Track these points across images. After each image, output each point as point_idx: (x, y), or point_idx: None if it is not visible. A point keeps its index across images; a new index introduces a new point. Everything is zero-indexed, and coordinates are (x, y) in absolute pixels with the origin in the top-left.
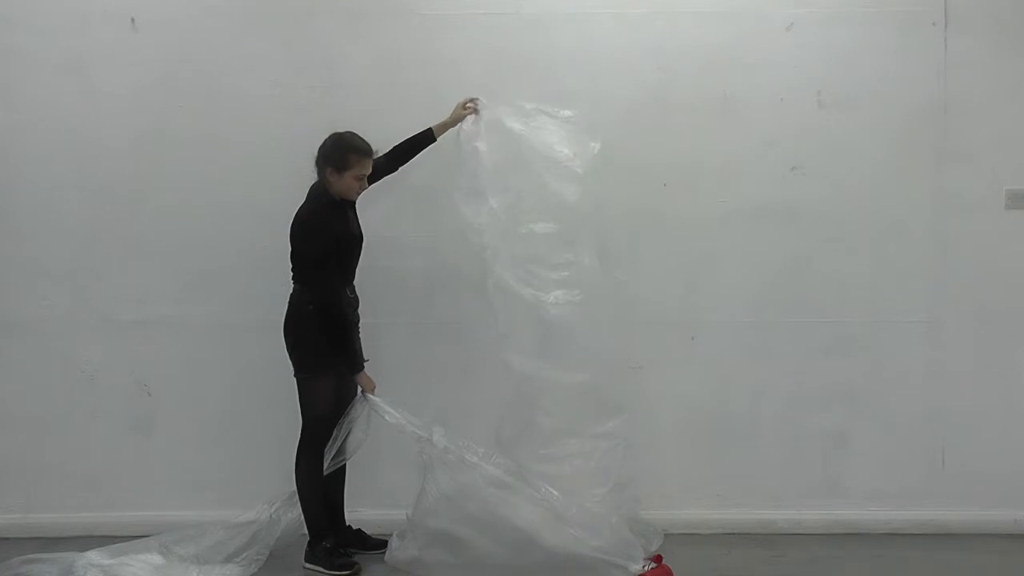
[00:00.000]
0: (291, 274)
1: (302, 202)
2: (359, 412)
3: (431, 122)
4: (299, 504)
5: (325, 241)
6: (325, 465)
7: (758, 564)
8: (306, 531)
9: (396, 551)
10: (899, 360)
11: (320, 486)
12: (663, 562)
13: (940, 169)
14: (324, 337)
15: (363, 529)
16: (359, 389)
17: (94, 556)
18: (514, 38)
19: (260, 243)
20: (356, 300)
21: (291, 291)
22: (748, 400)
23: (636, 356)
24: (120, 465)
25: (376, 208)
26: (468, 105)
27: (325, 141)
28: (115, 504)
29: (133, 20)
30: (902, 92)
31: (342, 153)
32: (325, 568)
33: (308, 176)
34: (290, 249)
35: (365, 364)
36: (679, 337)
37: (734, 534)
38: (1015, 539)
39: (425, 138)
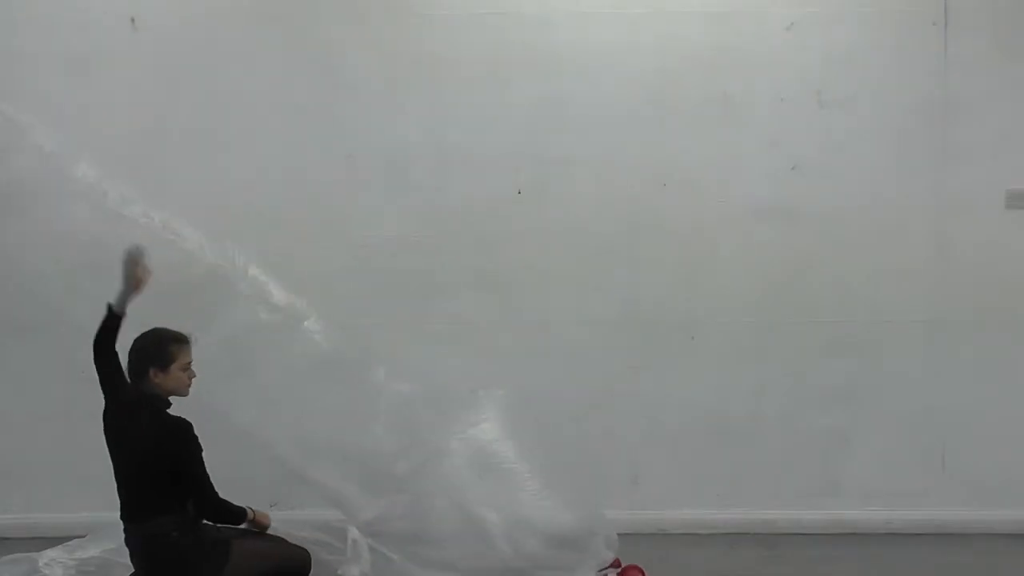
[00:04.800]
0: (138, 510)
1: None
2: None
3: (430, 122)
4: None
5: (196, 440)
6: None
7: (758, 564)
8: None
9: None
10: (899, 360)
11: None
12: (625, 564)
13: (940, 169)
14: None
15: None
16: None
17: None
18: (514, 38)
19: (260, 243)
20: None
21: (143, 537)
22: (748, 400)
23: (636, 356)
24: None
25: (377, 208)
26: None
27: (132, 348)
28: (115, 504)
29: (133, 20)
30: (902, 92)
31: (160, 348)
32: None
33: (307, 177)
34: (147, 474)
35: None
36: (679, 337)
37: (734, 534)
38: (1015, 539)
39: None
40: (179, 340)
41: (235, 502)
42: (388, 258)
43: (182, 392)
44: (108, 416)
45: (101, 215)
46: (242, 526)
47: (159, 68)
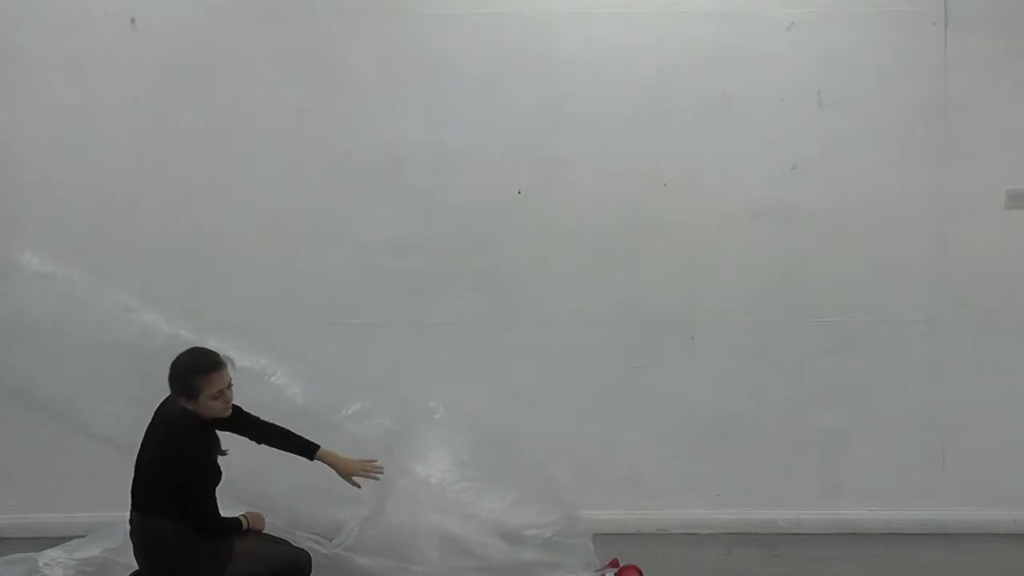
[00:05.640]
0: (146, 506)
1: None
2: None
3: (430, 121)
4: None
5: (208, 464)
6: None
7: (758, 564)
8: None
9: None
10: (899, 360)
11: None
12: (624, 564)
13: (940, 169)
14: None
15: None
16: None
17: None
18: (514, 38)
19: (260, 243)
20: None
21: (148, 534)
22: (748, 400)
23: (636, 356)
24: (120, 465)
25: (377, 208)
26: (365, 469)
27: (169, 369)
28: (114, 504)
29: (133, 20)
30: (902, 92)
31: (184, 379)
32: None
33: (307, 177)
34: (157, 484)
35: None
36: (679, 337)
37: (734, 534)
38: (1015, 539)
39: (303, 450)
40: (206, 371)
41: (234, 502)
42: (388, 258)
43: (218, 415)
44: (155, 413)
45: (53, 299)
46: None
47: (159, 68)
